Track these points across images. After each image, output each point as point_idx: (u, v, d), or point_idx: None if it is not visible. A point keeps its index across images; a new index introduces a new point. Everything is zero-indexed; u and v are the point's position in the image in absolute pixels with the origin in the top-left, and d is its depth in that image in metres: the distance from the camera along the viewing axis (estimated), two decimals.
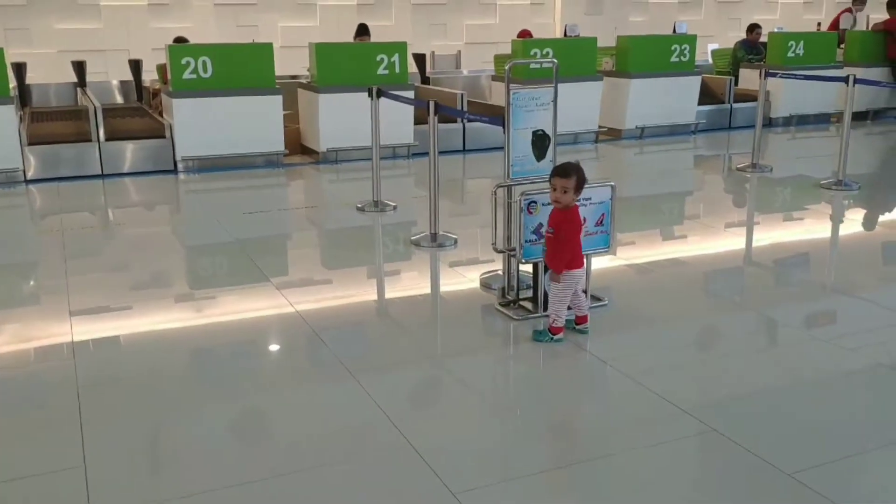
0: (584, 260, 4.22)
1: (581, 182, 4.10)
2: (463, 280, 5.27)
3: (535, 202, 4.39)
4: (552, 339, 4.22)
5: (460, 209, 7.39)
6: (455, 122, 9.68)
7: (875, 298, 5.01)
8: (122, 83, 11.98)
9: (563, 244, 4.15)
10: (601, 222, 4.59)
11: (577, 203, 4.19)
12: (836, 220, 7.21)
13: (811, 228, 6.89)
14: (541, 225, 4.43)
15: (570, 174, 4.08)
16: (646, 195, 8.07)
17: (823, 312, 4.90)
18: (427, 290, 5.29)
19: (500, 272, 5.00)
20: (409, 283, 5.41)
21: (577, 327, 4.35)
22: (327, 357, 4.17)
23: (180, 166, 8.74)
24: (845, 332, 4.52)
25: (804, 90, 10.88)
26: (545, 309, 4.48)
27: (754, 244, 6.40)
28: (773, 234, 6.66)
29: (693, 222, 6.98)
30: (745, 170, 8.71)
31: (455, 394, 3.87)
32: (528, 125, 4.68)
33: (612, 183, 4.57)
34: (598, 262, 4.81)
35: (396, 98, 6.71)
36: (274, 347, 4.49)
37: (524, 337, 4.33)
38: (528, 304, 4.71)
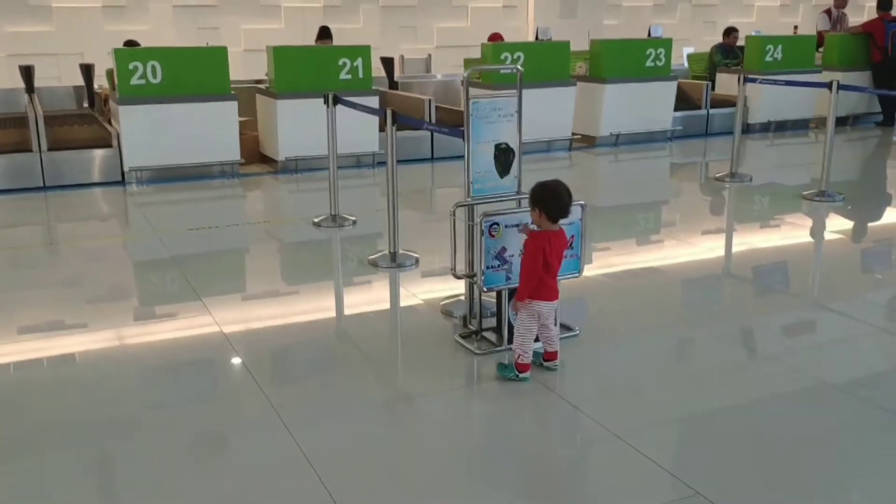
0: (555, 293, 3.77)
1: (536, 199, 3.70)
2: (422, 307, 4.82)
3: (497, 224, 3.95)
4: (518, 376, 3.78)
5: (425, 223, 6.95)
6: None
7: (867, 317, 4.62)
8: (76, 89, 11.42)
9: (524, 269, 3.73)
10: (571, 245, 4.17)
11: (559, 227, 3.76)
12: (820, 234, 6.84)
13: (795, 244, 6.51)
14: (504, 249, 3.99)
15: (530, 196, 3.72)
16: (621, 205, 7.66)
17: (809, 335, 4.50)
18: (380, 318, 4.83)
19: (462, 298, 4.56)
20: (361, 310, 4.95)
21: (546, 364, 3.91)
22: (250, 393, 3.71)
23: (129, 177, 8.22)
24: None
25: (782, 95, 10.54)
26: (510, 342, 4.05)
27: (735, 262, 6.01)
28: (756, 251, 6.26)
29: (671, 238, 6.58)
30: (723, 179, 8.33)
31: (402, 447, 3.40)
32: (489, 138, 4.24)
33: (583, 202, 4.14)
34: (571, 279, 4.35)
35: (353, 105, 6.26)
36: (184, 379, 4.01)
37: (486, 375, 3.90)
38: (492, 336, 4.27)
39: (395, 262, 5.54)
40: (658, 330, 4.54)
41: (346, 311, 4.95)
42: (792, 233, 6.78)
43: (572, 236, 4.15)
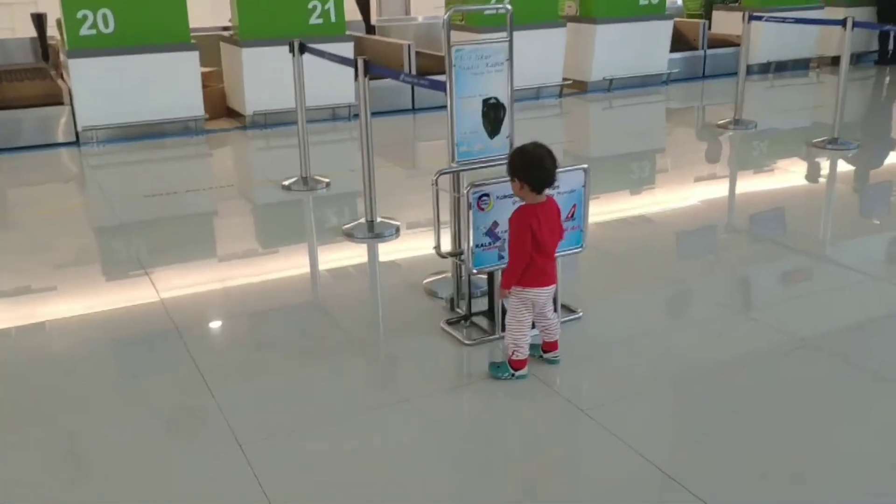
0: (550, 277, 3.21)
1: (514, 168, 3.13)
2: (403, 285, 4.26)
3: (486, 195, 3.38)
4: (513, 374, 3.25)
5: (408, 183, 6.34)
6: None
7: None
8: (32, 41, 10.61)
9: (511, 251, 3.18)
10: (572, 215, 3.60)
11: (546, 197, 3.17)
12: (835, 187, 6.29)
13: (811, 201, 5.95)
14: (496, 224, 3.42)
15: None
16: (617, 157, 7.08)
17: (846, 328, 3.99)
18: (354, 300, 4.22)
19: (449, 275, 4.00)
20: (332, 291, 4.38)
21: (545, 356, 3.38)
22: (194, 394, 3.17)
23: (84, 137, 7.55)
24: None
25: (783, 34, 9.91)
26: (504, 328, 3.51)
27: (754, 223, 5.45)
28: (773, 211, 5.71)
29: (675, 193, 6.01)
30: (726, 126, 7.75)
31: (372, 464, 2.86)
32: (476, 92, 3.64)
33: (585, 165, 3.56)
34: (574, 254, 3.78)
35: (320, 54, 5.60)
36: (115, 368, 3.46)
37: (476, 370, 3.36)
38: (483, 322, 3.73)
39: (373, 232, 4.96)
40: (673, 303, 4.02)
41: (315, 293, 4.38)
42: (805, 187, 6.23)
43: (574, 206, 3.59)
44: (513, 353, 3.22)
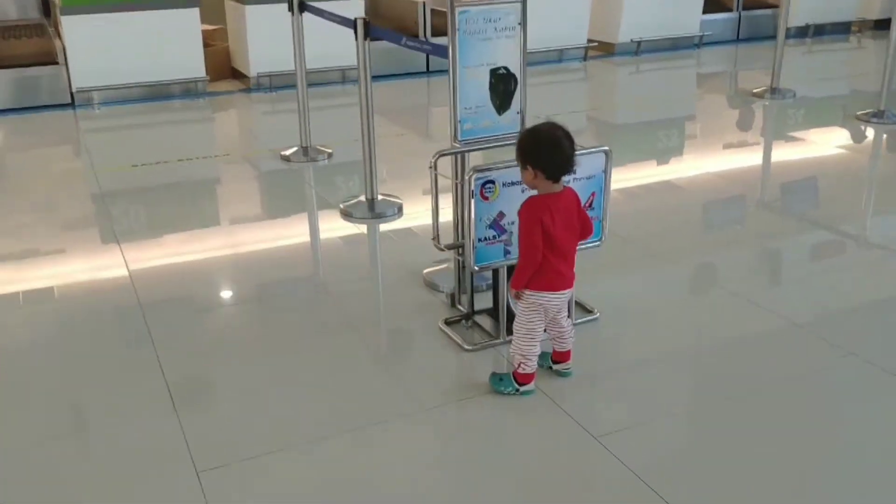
0: (566, 280, 2.77)
1: (526, 153, 2.67)
2: (401, 274, 3.83)
3: (492, 182, 2.94)
4: (517, 390, 2.83)
5: (415, 155, 5.86)
6: (417, 35, 8.04)
7: None
8: None
9: (520, 249, 2.75)
10: (590, 204, 3.16)
11: (563, 186, 2.72)
12: (878, 165, 5.77)
13: (855, 181, 5.44)
14: (502, 215, 2.99)
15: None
16: (642, 125, 6.58)
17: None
18: (346, 291, 3.76)
19: (451, 266, 3.59)
20: (321, 280, 3.96)
21: (555, 367, 2.96)
22: (151, 385, 2.79)
23: (79, 99, 7.15)
24: None
25: None
26: (511, 332, 3.10)
27: (794, 217, 4.97)
28: (809, 193, 5.21)
29: (701, 166, 5.51)
30: (762, 95, 7.20)
31: (348, 496, 2.48)
32: (483, 61, 3.19)
33: (605, 147, 3.11)
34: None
35: (318, 13, 5.14)
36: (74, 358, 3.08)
37: (476, 383, 2.94)
38: (487, 322, 3.32)
39: (373, 212, 4.54)
40: (701, 305, 3.59)
41: (300, 283, 3.90)
42: (848, 165, 5.71)
43: (592, 194, 3.15)
44: (519, 366, 2.80)
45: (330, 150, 5.67)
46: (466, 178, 2.88)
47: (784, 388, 2.93)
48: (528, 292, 2.73)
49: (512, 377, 2.84)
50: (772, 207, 4.91)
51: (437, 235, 3.19)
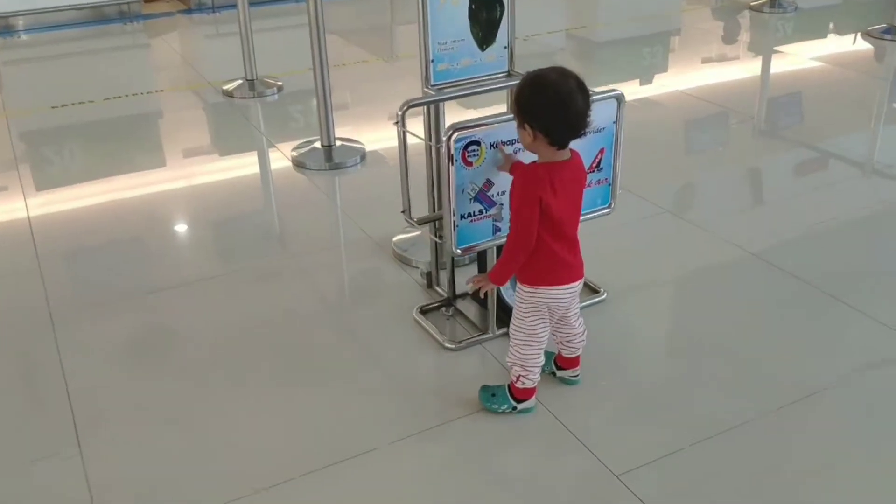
0: (574, 269, 2.16)
1: (526, 108, 1.99)
2: (364, 244, 3.20)
3: (476, 143, 2.28)
4: (514, 408, 2.25)
5: (386, 83, 5.13)
6: None
7: None
8: None
9: (511, 232, 2.11)
10: (598, 164, 2.53)
11: (570, 153, 2.08)
12: (890, 87, 5.17)
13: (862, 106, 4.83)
14: (489, 183, 2.35)
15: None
16: (627, 41, 5.88)
17: None
18: (291, 268, 3.08)
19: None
20: (260, 253, 3.22)
21: (561, 373, 2.37)
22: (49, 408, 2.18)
23: None
24: None
25: None
26: (502, 323, 2.51)
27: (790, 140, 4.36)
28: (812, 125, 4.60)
29: (685, 83, 4.85)
30: (760, 9, 6.51)
31: None
32: None
33: (617, 91, 2.46)
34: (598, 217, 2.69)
35: None
36: None
37: (462, 396, 2.34)
38: (471, 309, 2.71)
39: (330, 162, 3.87)
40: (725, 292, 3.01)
41: (238, 259, 3.17)
42: (856, 87, 5.09)
43: (600, 151, 2.51)
44: (517, 379, 2.20)
45: (280, 83, 4.95)
46: (444, 137, 2.22)
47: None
48: (527, 288, 2.12)
49: (507, 391, 2.25)
50: (768, 130, 4.30)
51: (409, 207, 2.54)
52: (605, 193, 2.58)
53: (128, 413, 2.32)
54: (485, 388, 2.29)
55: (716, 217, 3.34)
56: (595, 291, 2.77)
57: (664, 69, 5.51)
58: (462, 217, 2.34)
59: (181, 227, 3.48)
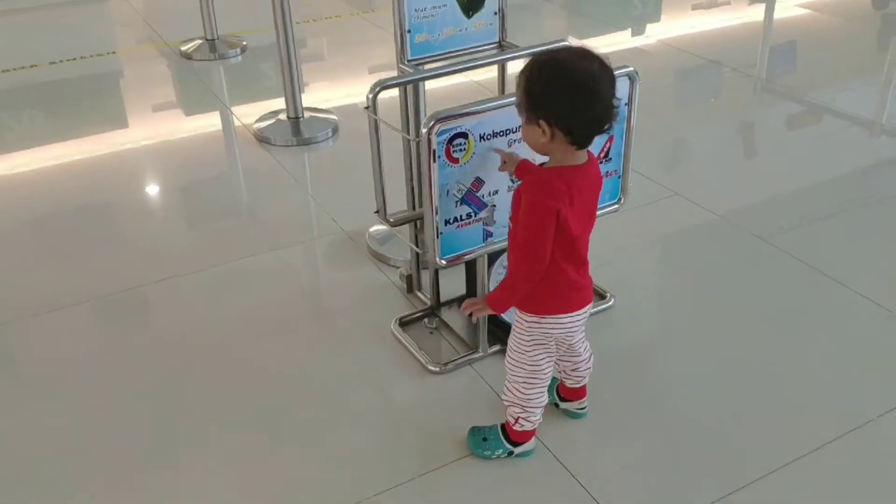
0: (585, 293, 1.78)
1: (538, 97, 1.56)
2: (335, 236, 2.81)
3: (463, 136, 1.89)
4: (510, 452, 1.89)
5: (362, 41, 4.69)
6: None
7: None
8: None
9: (519, 250, 1.70)
10: (607, 153, 2.14)
11: (588, 155, 1.68)
12: None
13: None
14: (479, 182, 1.96)
15: (520, 74, 1.58)
16: None
17: None
18: (248, 268, 2.66)
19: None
20: (214, 248, 2.79)
21: (563, 405, 2.02)
22: None
23: None
24: None
25: None
26: (495, 339, 2.16)
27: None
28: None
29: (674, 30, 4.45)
30: None
31: None
32: None
33: (630, 67, 2.06)
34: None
35: None
36: None
37: (450, 432, 1.98)
38: (458, 319, 2.35)
39: (298, 136, 3.46)
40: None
41: (186, 255, 2.75)
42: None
43: (610, 139, 2.12)
44: (516, 421, 1.85)
45: (244, 42, 4.50)
46: (425, 130, 1.83)
47: None
48: (531, 318, 1.75)
49: (501, 433, 1.89)
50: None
51: (384, 207, 2.15)
52: (615, 187, 2.21)
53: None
54: (474, 431, 1.93)
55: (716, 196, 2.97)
56: (601, 297, 2.41)
57: (657, 19, 5.10)
58: (447, 223, 1.96)
59: (123, 224, 3.04)
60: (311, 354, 2.25)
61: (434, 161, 1.86)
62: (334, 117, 3.57)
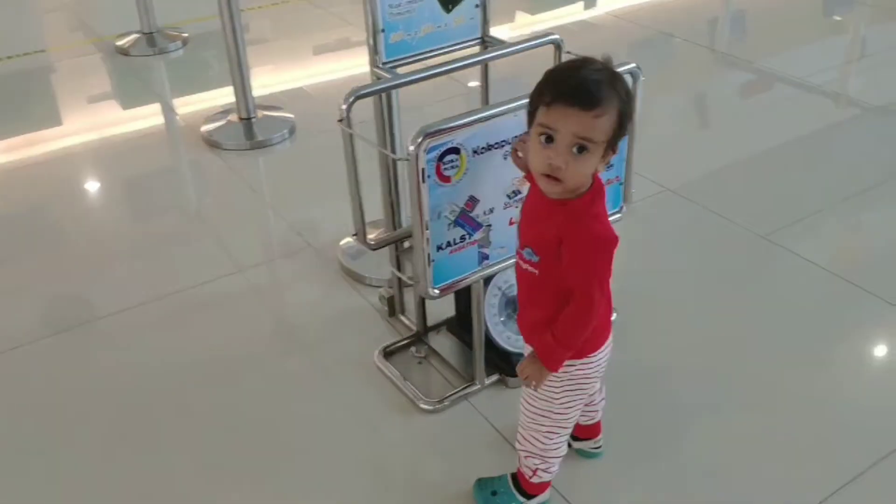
0: (609, 316, 1.56)
1: (623, 118, 1.32)
2: (302, 251, 2.56)
3: (455, 151, 1.66)
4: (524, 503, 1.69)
5: (312, 37, 4.40)
6: None
7: None
8: None
9: (581, 299, 1.40)
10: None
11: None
12: None
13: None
14: (472, 201, 1.73)
15: (599, 100, 1.28)
16: None
17: None
18: (200, 294, 2.38)
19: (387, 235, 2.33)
20: (160, 270, 2.52)
21: (577, 444, 1.81)
22: None
23: None
24: None
25: None
26: (493, 368, 1.96)
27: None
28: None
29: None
30: None
31: None
32: None
33: (633, 64, 1.84)
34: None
35: None
36: None
37: (449, 485, 1.77)
38: (448, 344, 2.13)
39: (252, 138, 3.18)
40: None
41: (132, 282, 2.46)
42: None
43: None
44: (534, 472, 1.63)
45: (185, 34, 4.18)
46: (412, 149, 1.59)
47: None
48: (574, 362, 1.50)
49: (513, 485, 1.68)
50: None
51: (363, 229, 1.91)
52: (616, 195, 2.00)
53: None
54: (482, 484, 1.72)
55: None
56: None
57: None
58: (439, 248, 1.73)
59: (59, 250, 2.71)
60: (283, 398, 2.00)
61: (423, 181, 1.63)
62: (290, 115, 3.30)
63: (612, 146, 1.33)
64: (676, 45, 4.10)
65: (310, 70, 3.89)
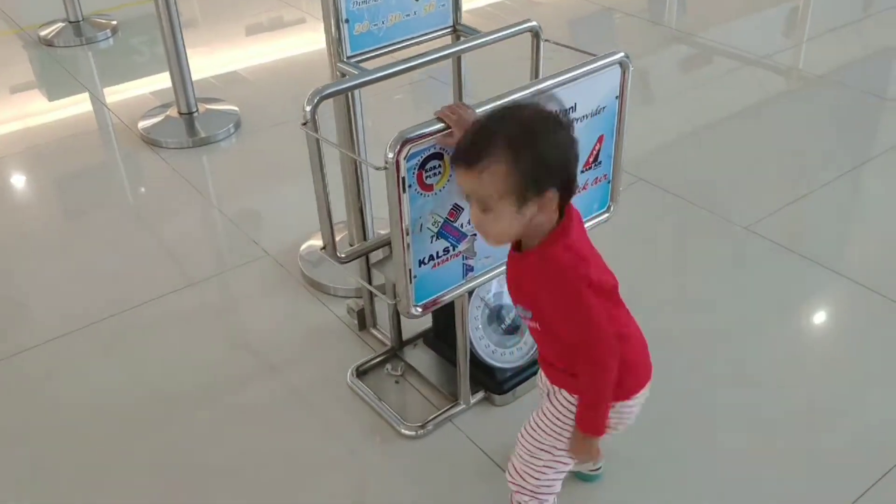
0: (646, 356, 1.42)
1: (538, 158, 1.19)
2: (258, 260, 2.36)
3: (438, 157, 1.49)
4: None
5: (246, 21, 4.16)
6: None
7: None
8: None
9: (586, 352, 1.28)
10: (596, 157, 1.78)
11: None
12: None
13: None
14: (457, 209, 1.57)
15: (479, 156, 1.19)
16: None
17: None
18: (151, 307, 2.20)
19: (348, 240, 2.16)
20: (98, 283, 2.31)
21: (578, 468, 1.67)
22: None
23: None
24: None
25: None
26: (478, 385, 1.81)
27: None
28: None
29: None
30: None
31: None
32: None
33: (621, 53, 1.69)
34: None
35: None
36: None
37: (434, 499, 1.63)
38: (425, 359, 1.97)
39: (194, 135, 2.96)
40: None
41: (68, 304, 2.25)
42: None
43: (599, 139, 1.77)
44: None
45: (114, 21, 3.90)
46: (391, 157, 1.42)
47: None
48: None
49: None
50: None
51: (332, 242, 1.73)
52: (604, 194, 1.86)
53: None
54: None
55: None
56: None
57: None
58: (421, 262, 1.57)
59: None
60: (247, 430, 1.82)
61: (404, 192, 1.47)
62: (235, 108, 3.08)
63: (522, 198, 1.19)
64: (617, 19, 4.08)
65: (244, 51, 3.66)
